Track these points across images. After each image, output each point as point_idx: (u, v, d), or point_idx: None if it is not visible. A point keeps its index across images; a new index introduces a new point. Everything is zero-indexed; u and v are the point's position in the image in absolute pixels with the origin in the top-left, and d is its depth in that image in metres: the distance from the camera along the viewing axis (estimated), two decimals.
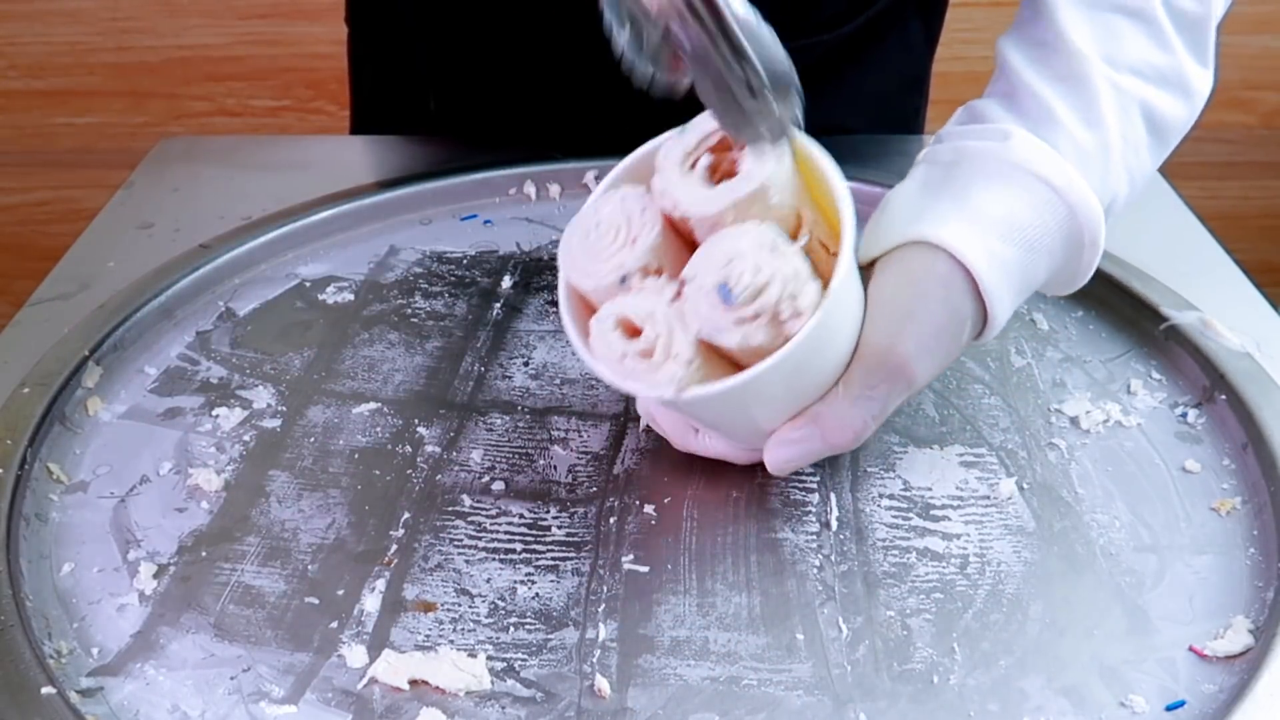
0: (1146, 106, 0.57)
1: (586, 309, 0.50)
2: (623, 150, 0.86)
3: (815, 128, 0.90)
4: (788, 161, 0.48)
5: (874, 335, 0.52)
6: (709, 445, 0.57)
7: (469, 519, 0.57)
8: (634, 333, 0.46)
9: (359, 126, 1.02)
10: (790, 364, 0.48)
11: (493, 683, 0.49)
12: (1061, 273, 0.58)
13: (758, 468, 0.57)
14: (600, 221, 0.47)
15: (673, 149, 0.48)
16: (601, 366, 0.45)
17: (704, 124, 0.49)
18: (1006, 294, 0.55)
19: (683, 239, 0.49)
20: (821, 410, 0.52)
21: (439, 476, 0.59)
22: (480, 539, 0.56)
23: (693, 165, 0.48)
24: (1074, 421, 0.63)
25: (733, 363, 0.48)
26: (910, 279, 0.53)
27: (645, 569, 0.54)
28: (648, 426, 0.59)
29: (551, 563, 0.54)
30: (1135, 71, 0.56)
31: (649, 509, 0.57)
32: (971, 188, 0.56)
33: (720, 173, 0.48)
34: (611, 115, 0.89)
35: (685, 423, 0.55)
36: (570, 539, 0.56)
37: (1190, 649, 0.50)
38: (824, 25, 0.86)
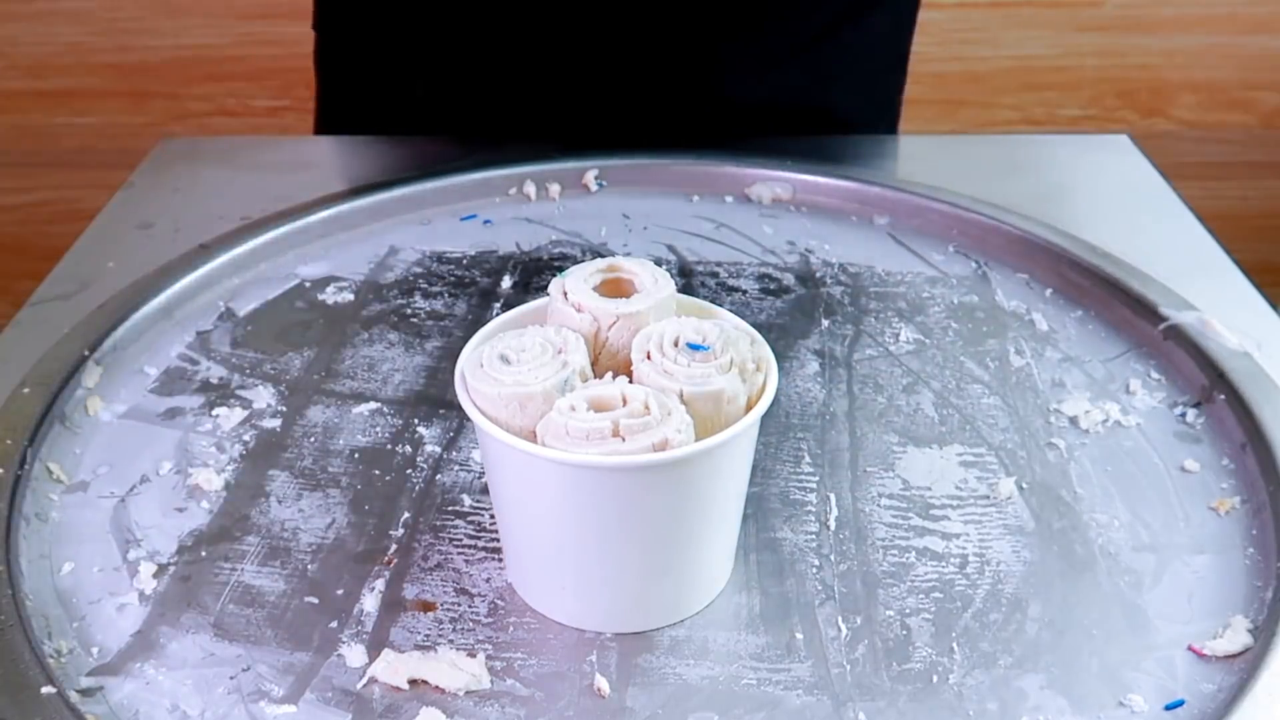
0: None
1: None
2: (621, 145, 0.87)
3: (807, 109, 0.91)
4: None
5: None
6: None
7: (469, 519, 0.57)
8: (601, 410, 0.47)
9: (326, 126, 1.00)
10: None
11: (492, 682, 0.49)
12: None
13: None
14: (524, 347, 0.49)
15: (574, 280, 0.53)
16: (558, 454, 0.46)
17: (587, 266, 0.54)
18: None
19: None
20: None
21: (439, 476, 0.60)
22: (480, 539, 0.56)
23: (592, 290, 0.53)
24: (1073, 421, 0.63)
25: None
26: None
27: None
28: None
29: None
30: None
31: None
32: None
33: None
34: (603, 99, 0.90)
35: None
36: None
37: (1189, 648, 0.50)
38: (812, 11, 0.87)
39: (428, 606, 0.52)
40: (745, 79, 0.90)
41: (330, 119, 1.00)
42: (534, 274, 0.76)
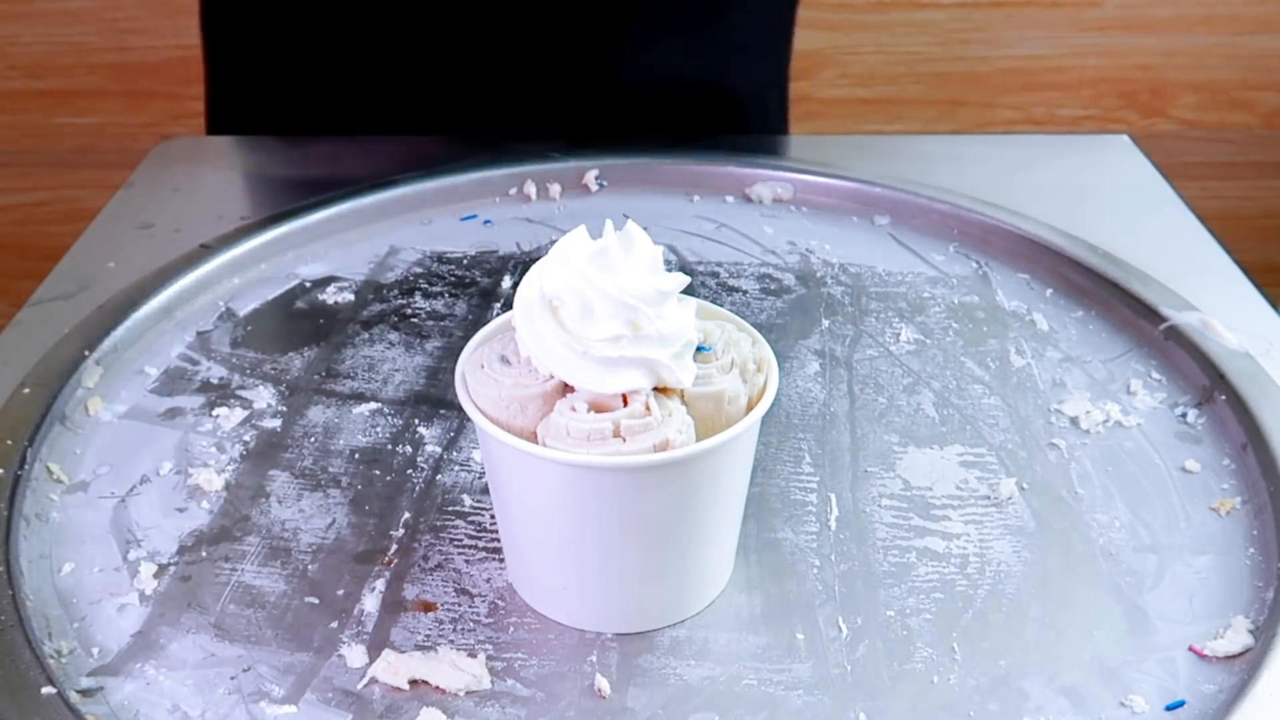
0: None
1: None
2: (622, 145, 0.87)
3: (700, 76, 0.91)
4: None
5: None
6: None
7: (469, 519, 0.57)
8: (602, 411, 0.47)
9: (216, 125, 0.99)
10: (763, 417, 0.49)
11: (493, 682, 0.49)
12: None
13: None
14: (520, 351, 0.49)
15: None
16: (559, 454, 0.46)
17: None
18: None
19: None
20: None
21: (439, 476, 0.60)
22: (480, 539, 0.56)
23: None
24: (1074, 421, 0.63)
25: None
26: None
27: None
28: None
29: None
30: None
31: None
32: None
33: None
34: (496, 83, 0.90)
35: None
36: None
37: (1190, 649, 0.50)
38: None
39: (428, 607, 0.52)
40: (636, 56, 0.90)
41: (220, 119, 0.99)
42: None
